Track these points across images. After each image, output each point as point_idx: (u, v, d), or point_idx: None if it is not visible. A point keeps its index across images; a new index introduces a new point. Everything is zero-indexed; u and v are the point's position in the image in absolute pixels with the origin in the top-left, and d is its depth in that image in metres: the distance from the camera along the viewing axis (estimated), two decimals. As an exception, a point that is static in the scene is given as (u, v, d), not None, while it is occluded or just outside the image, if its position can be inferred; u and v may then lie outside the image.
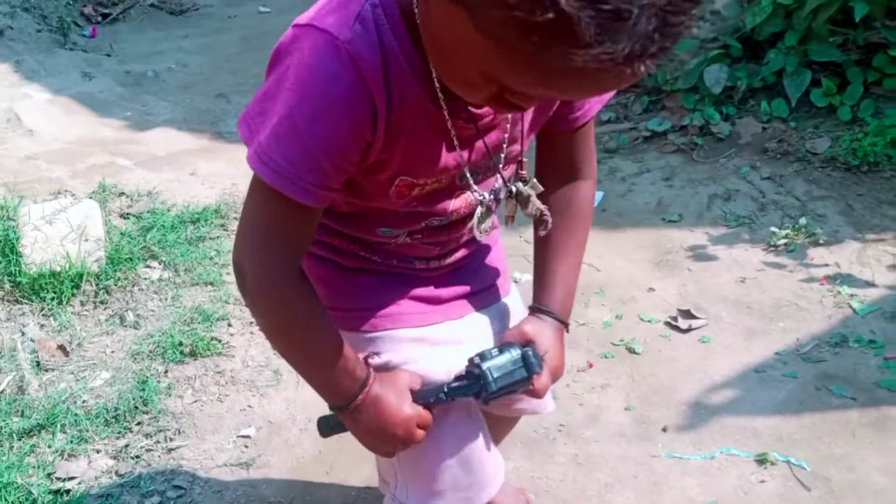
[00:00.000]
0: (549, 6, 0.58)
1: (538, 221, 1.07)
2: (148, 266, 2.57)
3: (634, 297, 2.41)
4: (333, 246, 1.12)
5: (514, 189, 1.03)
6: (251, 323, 2.31)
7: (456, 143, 0.93)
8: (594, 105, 1.07)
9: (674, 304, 2.35)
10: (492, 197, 1.04)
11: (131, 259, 2.53)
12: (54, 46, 4.60)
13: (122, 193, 3.00)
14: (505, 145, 0.99)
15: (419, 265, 1.14)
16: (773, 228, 2.61)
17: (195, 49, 4.92)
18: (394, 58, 0.84)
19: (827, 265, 2.47)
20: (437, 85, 0.87)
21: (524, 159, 1.06)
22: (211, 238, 2.74)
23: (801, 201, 2.76)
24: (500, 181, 1.03)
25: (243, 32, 5.18)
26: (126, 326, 2.33)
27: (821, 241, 2.55)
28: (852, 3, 2.82)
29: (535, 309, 1.14)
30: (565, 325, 1.15)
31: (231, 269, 1.14)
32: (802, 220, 2.60)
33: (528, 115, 1.00)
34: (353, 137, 0.86)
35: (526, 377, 1.04)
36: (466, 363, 1.06)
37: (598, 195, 2.90)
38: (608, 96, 1.05)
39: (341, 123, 0.84)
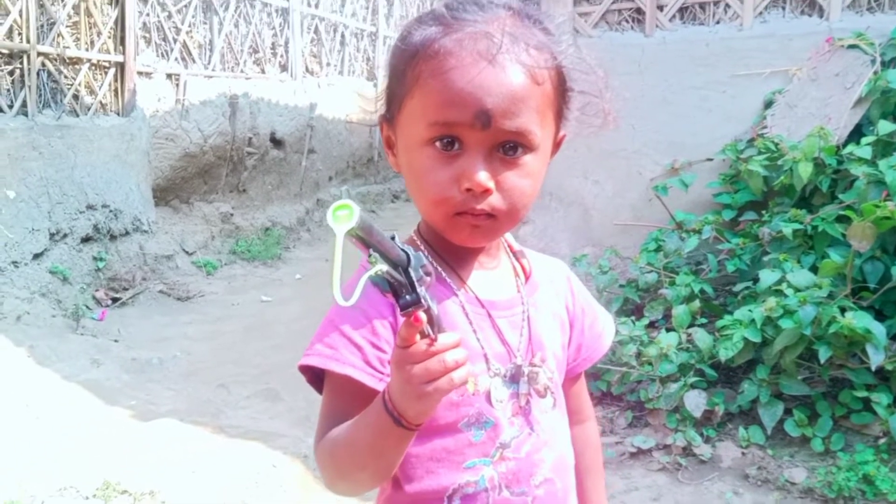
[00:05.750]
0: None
1: (543, 392, 1.17)
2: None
3: None
4: None
5: (525, 368, 1.15)
6: None
7: (473, 327, 1.11)
8: (597, 352, 1.29)
9: None
10: (507, 372, 1.14)
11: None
12: (66, 331, 4.82)
13: (126, 492, 3.06)
14: (521, 337, 1.15)
15: None
16: (760, 562, 2.71)
17: (199, 336, 5.17)
18: None
19: None
20: (443, 274, 1.10)
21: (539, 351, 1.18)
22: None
23: (785, 533, 2.88)
24: (516, 361, 1.14)
25: (246, 321, 5.46)
26: None
27: (807, 578, 2.64)
28: (817, 347, 3.13)
29: None
30: None
31: None
32: (788, 556, 2.71)
33: (545, 325, 1.18)
34: (377, 313, 1.05)
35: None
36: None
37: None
38: (606, 345, 1.29)
39: (364, 304, 1.04)
